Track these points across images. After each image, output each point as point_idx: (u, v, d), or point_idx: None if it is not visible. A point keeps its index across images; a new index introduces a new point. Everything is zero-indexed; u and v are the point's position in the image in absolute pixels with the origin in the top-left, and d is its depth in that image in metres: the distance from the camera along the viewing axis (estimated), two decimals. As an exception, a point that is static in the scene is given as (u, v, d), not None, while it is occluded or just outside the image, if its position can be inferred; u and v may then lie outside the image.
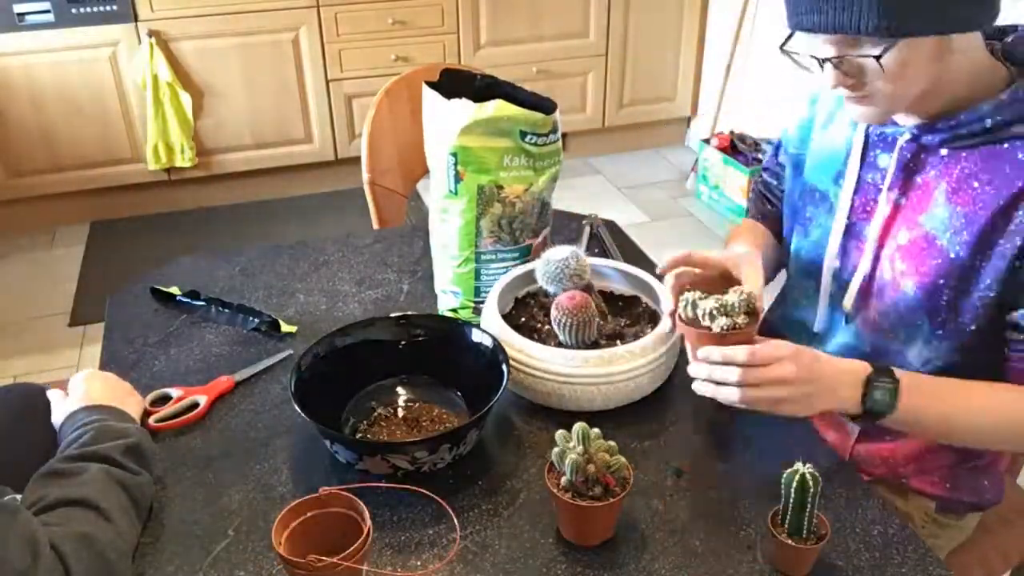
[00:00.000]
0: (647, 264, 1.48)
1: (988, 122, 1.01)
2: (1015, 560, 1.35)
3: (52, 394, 1.12)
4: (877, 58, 0.96)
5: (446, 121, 1.24)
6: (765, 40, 3.44)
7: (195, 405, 1.17)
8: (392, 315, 1.23)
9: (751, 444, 1.13)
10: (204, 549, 0.97)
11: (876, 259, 1.14)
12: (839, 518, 1.00)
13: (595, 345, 1.19)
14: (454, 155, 1.24)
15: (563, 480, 0.95)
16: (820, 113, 1.25)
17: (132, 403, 1.11)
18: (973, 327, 1.07)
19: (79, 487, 0.92)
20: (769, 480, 0.98)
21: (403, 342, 1.21)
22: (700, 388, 1.04)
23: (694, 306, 1.04)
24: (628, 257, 1.50)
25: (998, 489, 1.26)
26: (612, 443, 0.96)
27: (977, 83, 1.03)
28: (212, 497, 1.04)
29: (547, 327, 1.24)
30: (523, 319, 1.27)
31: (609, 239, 1.58)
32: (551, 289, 1.21)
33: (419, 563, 0.95)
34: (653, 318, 1.27)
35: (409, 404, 1.18)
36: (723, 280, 1.12)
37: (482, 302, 1.31)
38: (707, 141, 3.58)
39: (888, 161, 1.12)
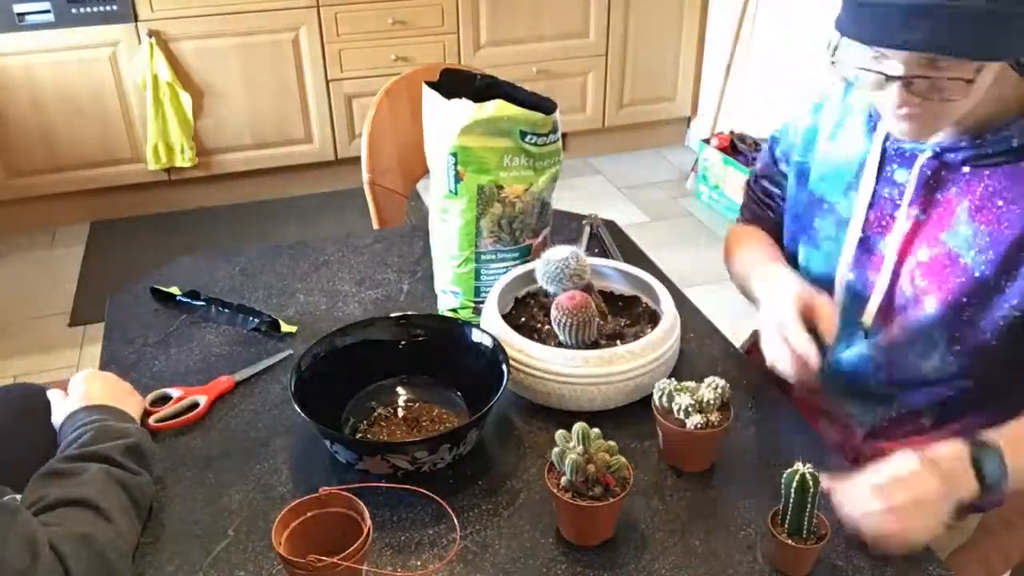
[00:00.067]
0: (647, 264, 1.48)
1: (1015, 142, 1.01)
2: (1015, 561, 1.34)
3: (52, 394, 1.12)
4: (968, 81, 0.93)
5: (446, 121, 1.24)
6: (765, 40, 3.44)
7: (195, 405, 1.17)
8: (392, 315, 1.23)
9: (751, 444, 1.13)
10: (204, 549, 0.97)
11: (895, 275, 1.13)
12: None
13: (595, 345, 1.19)
14: (454, 155, 1.24)
15: (563, 480, 0.95)
16: (825, 123, 1.24)
17: (132, 403, 1.11)
18: (994, 342, 1.06)
19: (79, 487, 0.91)
20: (769, 480, 0.98)
21: (403, 342, 1.21)
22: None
23: (670, 397, 1.05)
24: (628, 257, 1.50)
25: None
26: (612, 443, 0.96)
27: (1008, 100, 1.02)
28: (212, 497, 1.04)
29: (547, 327, 1.24)
30: (523, 319, 1.27)
31: (609, 239, 1.58)
32: (551, 289, 1.21)
33: (419, 563, 0.95)
34: (653, 318, 1.27)
35: (409, 404, 1.18)
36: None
37: (482, 302, 1.31)
38: (707, 141, 3.58)
39: (905, 176, 1.11)
